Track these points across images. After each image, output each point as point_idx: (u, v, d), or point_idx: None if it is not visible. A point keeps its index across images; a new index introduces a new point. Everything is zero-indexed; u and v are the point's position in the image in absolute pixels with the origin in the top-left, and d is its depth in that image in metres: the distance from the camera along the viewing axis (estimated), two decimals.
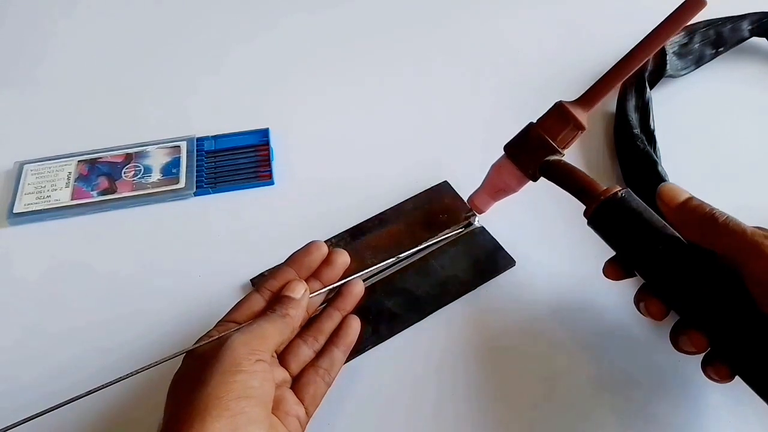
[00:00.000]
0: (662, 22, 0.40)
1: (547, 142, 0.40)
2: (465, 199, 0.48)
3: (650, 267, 0.36)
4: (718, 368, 0.34)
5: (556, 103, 0.41)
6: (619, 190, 0.37)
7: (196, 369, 0.31)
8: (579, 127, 0.40)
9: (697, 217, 0.34)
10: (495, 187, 0.43)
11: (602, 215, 0.37)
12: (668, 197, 0.36)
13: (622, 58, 0.40)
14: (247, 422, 0.29)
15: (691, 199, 0.35)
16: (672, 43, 0.56)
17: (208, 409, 0.28)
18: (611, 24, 0.64)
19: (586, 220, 0.39)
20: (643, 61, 0.40)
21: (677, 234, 0.35)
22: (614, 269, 0.38)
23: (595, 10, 0.66)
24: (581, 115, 0.40)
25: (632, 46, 0.41)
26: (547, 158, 0.40)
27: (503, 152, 0.42)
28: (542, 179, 0.41)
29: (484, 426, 0.38)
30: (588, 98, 0.40)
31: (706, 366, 0.35)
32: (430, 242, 0.46)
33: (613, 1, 0.67)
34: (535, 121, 0.41)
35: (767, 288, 0.31)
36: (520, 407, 0.39)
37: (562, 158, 0.41)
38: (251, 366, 0.31)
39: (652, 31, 0.40)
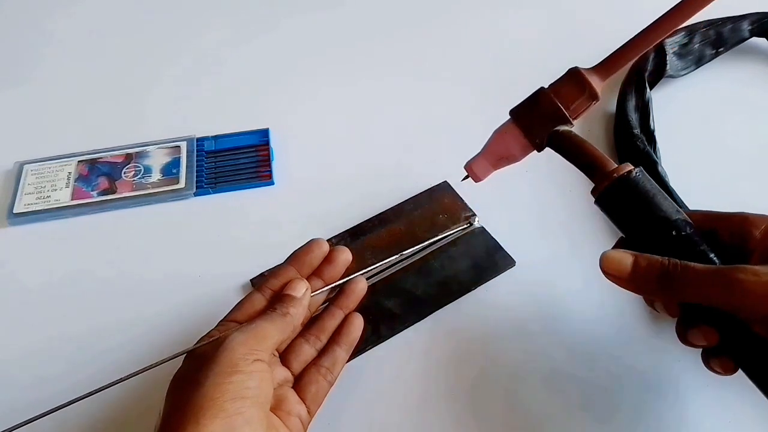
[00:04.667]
0: None
1: (559, 109, 0.37)
2: (464, 199, 0.48)
3: (661, 254, 0.33)
4: (723, 362, 0.33)
5: (570, 69, 0.38)
6: (633, 169, 0.35)
7: (195, 370, 0.31)
8: (594, 96, 0.37)
9: (654, 277, 0.32)
10: (496, 154, 0.40)
11: (612, 195, 0.35)
12: (615, 268, 0.33)
13: (646, 28, 0.37)
14: (244, 423, 0.29)
15: (637, 258, 0.33)
16: (672, 43, 0.56)
17: (203, 411, 0.28)
18: (611, 24, 0.64)
19: (591, 207, 0.36)
20: (668, 33, 0.37)
21: (690, 220, 0.34)
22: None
23: (595, 10, 0.66)
24: (597, 84, 0.37)
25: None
26: (557, 128, 0.37)
27: (509, 116, 0.39)
28: (546, 152, 0.38)
29: (484, 425, 0.38)
30: (606, 66, 0.38)
31: (710, 358, 0.34)
32: (431, 242, 0.45)
33: (613, 2, 0.67)
34: (546, 86, 0.38)
35: (759, 315, 0.30)
36: (521, 406, 0.39)
37: (572, 129, 0.38)
38: (248, 366, 0.30)
39: (681, 1, 0.37)
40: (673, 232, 0.33)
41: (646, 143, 0.50)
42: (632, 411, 0.38)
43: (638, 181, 0.34)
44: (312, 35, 0.65)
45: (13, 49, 0.66)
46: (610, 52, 0.38)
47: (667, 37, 0.56)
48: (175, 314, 0.44)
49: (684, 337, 0.34)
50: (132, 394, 0.39)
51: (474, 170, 0.41)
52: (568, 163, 0.48)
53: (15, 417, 0.31)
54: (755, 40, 0.59)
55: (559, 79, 0.38)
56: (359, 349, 0.41)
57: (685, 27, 0.57)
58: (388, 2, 0.68)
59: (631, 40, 0.38)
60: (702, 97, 0.56)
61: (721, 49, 0.58)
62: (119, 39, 0.66)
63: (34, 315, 0.45)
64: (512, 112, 0.39)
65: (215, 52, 0.64)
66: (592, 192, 0.36)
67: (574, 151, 0.37)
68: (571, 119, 0.37)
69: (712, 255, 0.33)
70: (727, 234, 0.33)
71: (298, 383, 0.37)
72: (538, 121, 0.38)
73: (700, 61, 0.58)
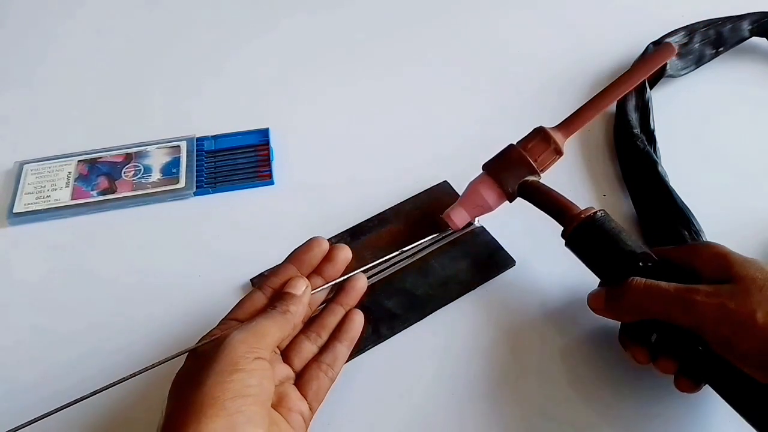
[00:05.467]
0: (635, 63, 0.45)
1: (527, 161, 0.41)
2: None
3: None
4: (683, 383, 0.36)
5: (537, 128, 0.43)
6: (597, 211, 0.38)
7: (196, 369, 0.31)
8: (558, 151, 0.42)
9: (626, 297, 0.35)
10: (473, 203, 0.44)
11: (581, 235, 0.38)
12: (595, 302, 0.38)
13: (599, 93, 0.44)
14: (245, 421, 0.29)
15: (609, 289, 0.37)
16: (672, 42, 0.56)
17: (204, 409, 0.28)
18: (610, 25, 0.64)
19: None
20: (617, 99, 0.45)
21: (652, 254, 0.37)
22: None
23: (594, 11, 0.66)
24: (560, 140, 0.42)
25: (609, 81, 0.45)
26: (526, 179, 0.42)
27: (482, 170, 0.43)
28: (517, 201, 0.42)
29: (484, 425, 0.38)
30: (567, 125, 0.43)
31: (675, 380, 0.37)
32: (430, 238, 0.45)
33: (612, 3, 0.67)
34: (515, 143, 0.43)
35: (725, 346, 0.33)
36: (520, 406, 0.39)
37: (540, 180, 0.42)
38: (249, 364, 0.31)
39: (627, 71, 0.45)
40: (640, 263, 0.36)
41: (646, 143, 0.50)
42: (633, 409, 0.38)
43: (603, 221, 0.38)
44: (312, 35, 0.65)
45: (13, 50, 0.66)
46: (569, 115, 0.44)
47: (667, 36, 0.57)
48: (175, 313, 0.43)
49: (655, 365, 0.37)
50: (134, 394, 0.39)
51: (452, 218, 0.45)
52: (567, 164, 0.48)
53: (17, 417, 0.31)
54: (755, 40, 0.59)
55: (526, 136, 0.43)
56: (360, 349, 0.41)
57: (685, 27, 0.57)
58: (389, 3, 0.68)
59: (585, 105, 0.44)
60: (702, 97, 0.56)
61: (721, 48, 0.58)
62: (119, 39, 0.66)
63: (34, 315, 0.45)
64: (485, 166, 0.43)
65: (215, 52, 0.64)
66: (563, 235, 0.39)
67: (542, 199, 0.41)
68: (538, 171, 0.42)
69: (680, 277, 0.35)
70: (681, 263, 0.36)
71: (300, 380, 0.37)
72: (509, 172, 0.42)
73: (700, 61, 0.58)
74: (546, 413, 0.38)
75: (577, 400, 0.39)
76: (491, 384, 0.40)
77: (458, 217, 0.45)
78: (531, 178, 0.42)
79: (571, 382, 0.39)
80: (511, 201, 0.43)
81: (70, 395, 0.32)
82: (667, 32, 0.57)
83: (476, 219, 0.47)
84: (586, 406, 0.38)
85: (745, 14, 0.58)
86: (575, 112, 0.44)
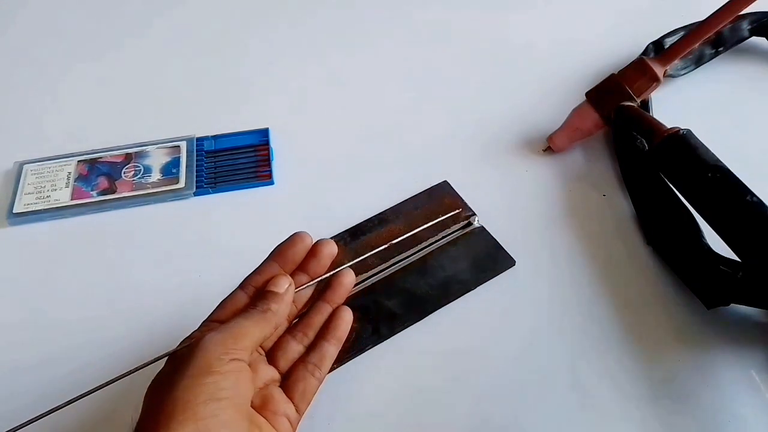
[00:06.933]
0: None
1: (624, 88, 0.47)
2: (465, 199, 0.49)
3: (699, 191, 0.41)
4: None
5: (637, 58, 0.49)
6: (681, 130, 0.43)
7: (172, 372, 0.30)
8: (654, 78, 0.47)
9: None
10: (573, 126, 0.49)
11: (662, 149, 0.43)
12: None
13: (701, 22, 0.48)
14: (219, 426, 0.28)
15: None
16: (672, 42, 0.56)
17: (174, 414, 0.27)
18: (610, 25, 0.64)
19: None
20: (719, 27, 0.49)
21: (725, 166, 0.40)
22: None
23: (594, 11, 0.66)
24: (659, 69, 0.47)
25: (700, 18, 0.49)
26: (622, 104, 0.47)
27: (584, 98, 0.50)
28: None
29: (483, 426, 0.38)
30: (667, 55, 0.49)
31: None
32: (429, 239, 0.45)
33: (612, 3, 0.67)
34: (616, 72, 0.49)
35: None
36: (520, 407, 0.39)
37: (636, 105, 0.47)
38: (223, 366, 0.30)
39: (724, 4, 0.48)
40: (709, 174, 0.40)
41: (645, 143, 0.49)
42: (632, 410, 0.38)
43: (685, 137, 0.42)
44: (313, 35, 0.65)
45: (13, 50, 0.66)
46: (669, 45, 0.50)
47: (667, 36, 0.57)
48: (174, 314, 0.43)
49: None
50: (115, 399, 0.38)
51: (555, 142, 0.50)
52: (567, 164, 0.48)
53: (14, 415, 0.31)
54: (755, 39, 0.59)
55: (626, 66, 0.49)
56: (359, 349, 0.41)
57: (684, 27, 0.57)
58: (389, 4, 0.68)
59: (686, 34, 0.49)
60: (702, 97, 0.56)
61: (721, 48, 0.58)
62: (118, 39, 0.66)
63: (33, 315, 0.45)
64: (587, 93, 0.49)
65: (215, 52, 0.64)
66: (648, 149, 0.44)
67: (635, 120, 0.46)
68: (634, 97, 0.48)
69: (744, 188, 0.40)
70: None
71: (286, 381, 0.35)
72: (607, 98, 0.48)
73: (699, 61, 0.57)
74: (545, 413, 0.38)
75: (578, 400, 0.39)
76: (491, 384, 0.40)
77: (560, 139, 0.50)
78: (627, 103, 0.47)
79: (573, 382, 0.39)
80: (608, 125, 0.48)
81: (67, 395, 0.32)
82: (666, 32, 0.57)
83: (476, 219, 0.47)
84: (588, 405, 0.38)
85: (744, 14, 0.58)
86: (675, 43, 0.49)
